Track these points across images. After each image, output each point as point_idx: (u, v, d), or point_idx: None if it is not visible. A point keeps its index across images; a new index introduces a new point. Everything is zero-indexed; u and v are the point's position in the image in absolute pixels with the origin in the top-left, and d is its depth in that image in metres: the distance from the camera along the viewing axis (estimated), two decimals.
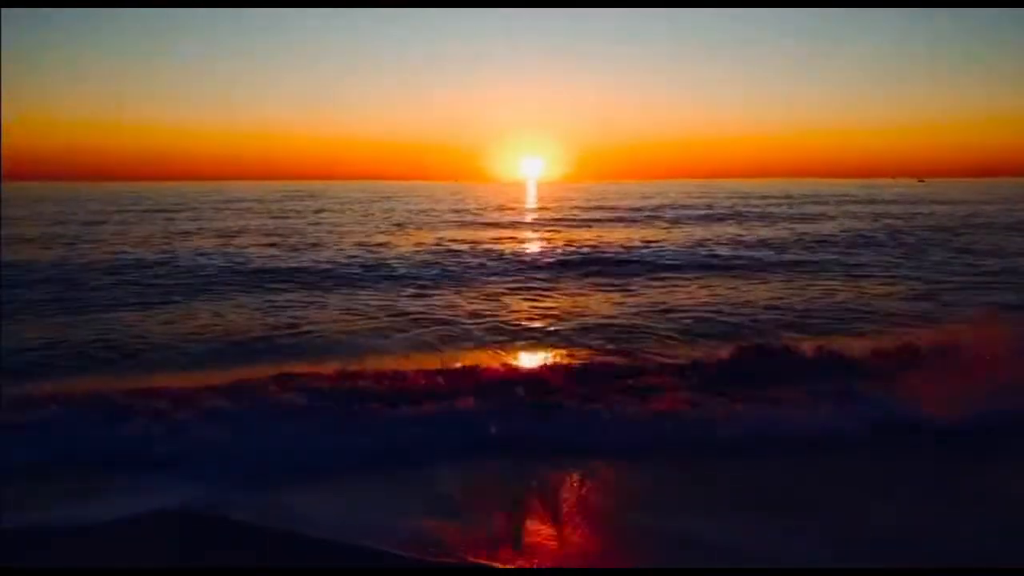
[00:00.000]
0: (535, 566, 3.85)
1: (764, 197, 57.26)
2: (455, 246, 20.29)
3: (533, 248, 20.60)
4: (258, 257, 17.71)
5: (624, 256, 18.08)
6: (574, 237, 23.72)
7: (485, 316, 10.66)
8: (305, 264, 16.39)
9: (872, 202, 47.96)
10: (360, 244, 20.92)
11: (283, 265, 16.25)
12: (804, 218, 32.58)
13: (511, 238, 23.43)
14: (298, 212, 39.39)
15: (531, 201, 56.20)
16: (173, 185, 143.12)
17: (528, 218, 34.50)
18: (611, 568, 3.87)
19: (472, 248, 19.91)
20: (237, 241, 21.57)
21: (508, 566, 3.83)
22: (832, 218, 32.30)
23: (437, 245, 20.65)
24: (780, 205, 44.08)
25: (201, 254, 17.95)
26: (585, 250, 19.51)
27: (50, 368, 7.75)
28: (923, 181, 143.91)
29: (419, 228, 27.43)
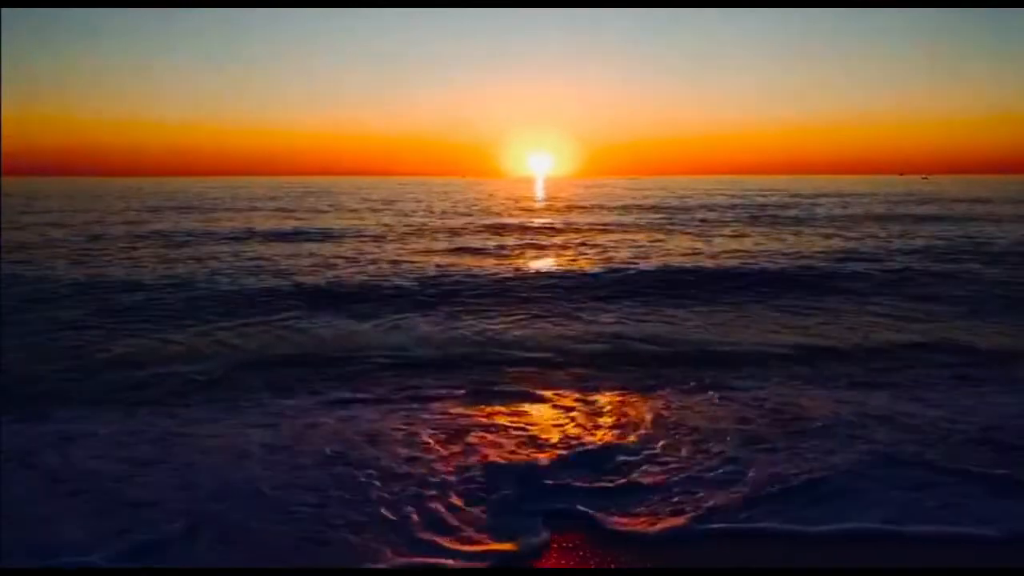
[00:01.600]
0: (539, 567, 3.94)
1: (815, 196, 53.39)
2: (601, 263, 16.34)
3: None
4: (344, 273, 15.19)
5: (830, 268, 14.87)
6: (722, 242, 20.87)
7: None
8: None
9: (948, 200, 43.48)
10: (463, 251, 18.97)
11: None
12: (937, 218, 29.08)
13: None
14: (363, 210, 38.15)
15: (608, 200, 49.18)
16: (186, 181, 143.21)
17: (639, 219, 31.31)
18: (610, 568, 3.90)
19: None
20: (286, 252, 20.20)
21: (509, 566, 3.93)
22: (940, 219, 28.58)
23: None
24: (850, 205, 39.67)
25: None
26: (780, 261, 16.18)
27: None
28: (927, 178, 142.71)
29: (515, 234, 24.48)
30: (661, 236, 23.11)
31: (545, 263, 16.99)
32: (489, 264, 16.39)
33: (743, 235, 23.04)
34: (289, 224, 27.71)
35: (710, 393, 6.66)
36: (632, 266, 15.38)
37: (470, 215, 34.14)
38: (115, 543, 4.08)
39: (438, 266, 15.71)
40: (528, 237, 23.06)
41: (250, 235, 23.26)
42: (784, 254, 17.63)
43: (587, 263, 16.32)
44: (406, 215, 34.10)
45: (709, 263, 15.98)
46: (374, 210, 37.96)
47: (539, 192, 70.73)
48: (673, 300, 11.69)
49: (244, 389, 7.00)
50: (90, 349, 8.60)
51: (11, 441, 5.56)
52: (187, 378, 7.38)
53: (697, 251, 18.63)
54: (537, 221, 29.92)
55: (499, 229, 26.02)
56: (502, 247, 20.08)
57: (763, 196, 53.04)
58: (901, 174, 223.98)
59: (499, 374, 7.56)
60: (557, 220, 30.49)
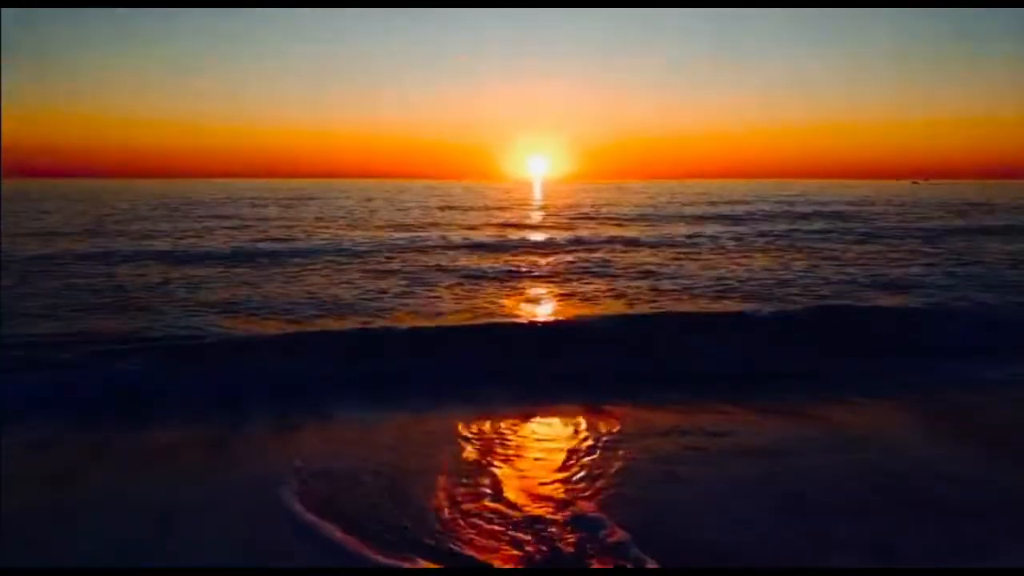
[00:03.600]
0: (532, 567, 3.94)
1: (875, 203, 48.03)
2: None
3: None
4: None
5: None
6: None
7: None
8: None
9: None
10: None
11: None
12: None
13: None
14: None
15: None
16: (188, 183, 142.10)
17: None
18: (613, 568, 3.91)
19: None
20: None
21: (508, 566, 3.94)
22: None
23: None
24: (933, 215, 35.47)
25: None
26: None
27: None
28: (917, 183, 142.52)
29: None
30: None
31: None
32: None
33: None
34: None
35: None
36: None
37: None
38: None
39: None
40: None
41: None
42: None
43: None
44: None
45: None
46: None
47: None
48: None
49: None
50: None
51: None
52: None
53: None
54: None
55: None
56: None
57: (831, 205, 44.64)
58: (897, 179, 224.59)
59: None
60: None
